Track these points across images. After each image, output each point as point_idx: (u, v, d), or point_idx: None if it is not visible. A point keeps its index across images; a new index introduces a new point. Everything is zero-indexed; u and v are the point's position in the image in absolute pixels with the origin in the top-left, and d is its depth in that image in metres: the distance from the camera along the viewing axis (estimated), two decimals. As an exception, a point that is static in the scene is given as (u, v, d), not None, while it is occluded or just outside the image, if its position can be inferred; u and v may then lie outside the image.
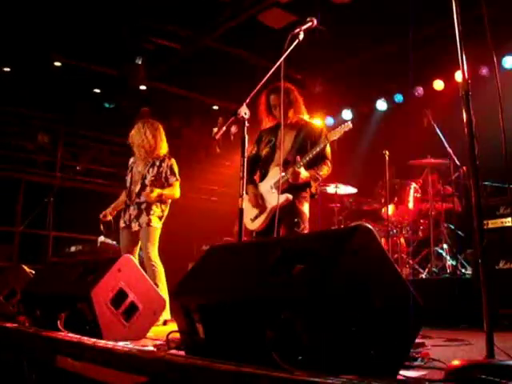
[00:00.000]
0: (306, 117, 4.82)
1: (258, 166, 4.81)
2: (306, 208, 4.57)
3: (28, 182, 10.14)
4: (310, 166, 4.49)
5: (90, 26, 8.10)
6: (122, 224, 5.58)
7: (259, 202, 4.61)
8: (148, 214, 5.40)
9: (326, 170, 4.60)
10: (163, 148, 5.67)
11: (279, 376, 1.74)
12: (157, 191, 5.39)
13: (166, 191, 5.46)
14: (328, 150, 4.62)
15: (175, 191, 5.52)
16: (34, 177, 10.31)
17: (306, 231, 4.47)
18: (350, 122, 4.50)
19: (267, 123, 4.87)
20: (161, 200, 5.48)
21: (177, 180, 5.55)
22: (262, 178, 4.72)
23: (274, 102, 4.69)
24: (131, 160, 5.83)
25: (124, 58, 8.93)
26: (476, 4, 2.51)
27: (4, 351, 3.59)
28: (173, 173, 5.55)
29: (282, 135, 4.43)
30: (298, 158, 4.40)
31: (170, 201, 5.62)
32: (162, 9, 7.81)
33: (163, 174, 5.53)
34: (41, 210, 8.43)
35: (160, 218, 5.49)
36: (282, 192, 4.36)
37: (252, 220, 4.65)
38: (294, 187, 4.49)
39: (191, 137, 11.44)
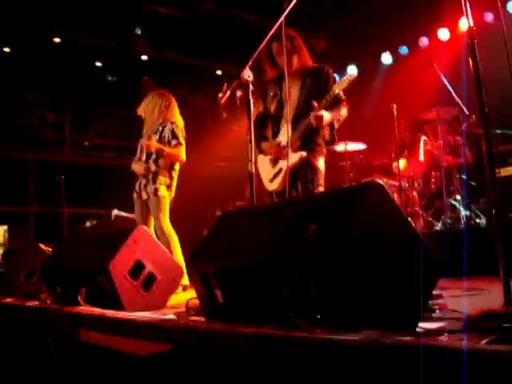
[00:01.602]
0: (311, 64, 4.62)
1: (269, 123, 4.66)
2: (321, 163, 4.45)
3: (38, 161, 10.19)
4: (327, 109, 4.34)
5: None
6: (134, 194, 5.61)
7: (281, 153, 4.44)
8: (154, 183, 5.41)
9: (345, 111, 4.46)
10: (174, 117, 5.66)
11: (299, 336, 1.76)
12: (157, 143, 5.41)
13: (168, 149, 5.43)
14: (341, 92, 4.43)
15: (179, 153, 5.48)
16: (44, 155, 10.34)
17: (321, 188, 4.39)
18: (354, 72, 4.35)
19: (270, 75, 4.69)
20: (171, 166, 5.50)
21: (179, 143, 5.49)
22: (274, 135, 4.59)
23: (276, 49, 4.46)
24: (144, 130, 5.83)
25: (123, 28, 8.85)
26: None
27: (28, 329, 3.65)
28: (175, 136, 5.51)
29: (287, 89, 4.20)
30: (315, 103, 4.23)
31: (177, 167, 5.59)
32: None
33: (166, 139, 5.51)
34: (53, 188, 8.47)
35: (168, 186, 5.47)
36: (296, 149, 4.31)
37: (270, 181, 4.56)
38: (308, 142, 4.39)
39: (197, 104, 11.38)
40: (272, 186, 4.54)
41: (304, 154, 4.32)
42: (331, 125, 4.43)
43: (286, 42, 4.08)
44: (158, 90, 6.02)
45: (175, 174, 5.57)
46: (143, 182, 5.50)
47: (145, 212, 5.51)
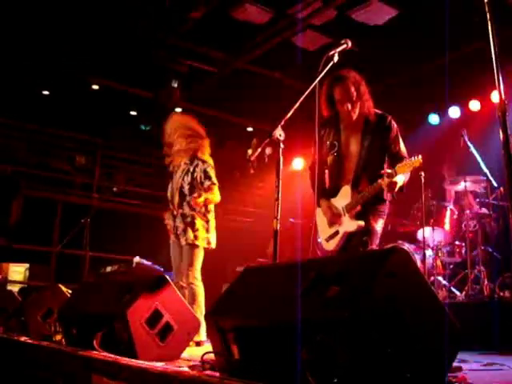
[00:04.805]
0: (373, 112, 4.30)
1: (324, 173, 4.40)
2: (379, 225, 4.25)
3: (65, 203, 10.32)
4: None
5: (127, 49, 8.27)
6: (172, 237, 5.41)
7: (336, 219, 4.25)
8: (194, 230, 5.23)
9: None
10: (205, 156, 5.50)
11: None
12: (204, 195, 5.20)
13: (209, 195, 5.25)
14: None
15: (214, 194, 5.30)
16: (72, 197, 10.49)
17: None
18: (420, 157, 3.97)
19: (325, 113, 4.34)
20: (205, 208, 5.33)
21: (213, 184, 5.30)
22: (334, 192, 4.34)
23: (339, 96, 4.13)
24: (171, 167, 5.64)
25: (160, 80, 9.07)
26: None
27: (40, 370, 3.63)
28: (207, 176, 5.32)
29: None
30: (387, 171, 3.97)
31: (212, 208, 5.42)
32: (197, 32, 7.92)
33: (198, 180, 5.33)
34: (78, 231, 8.55)
35: (207, 230, 5.32)
36: (356, 215, 4.16)
37: (327, 240, 4.36)
38: (370, 209, 4.19)
39: (225, 158, 11.51)
40: (329, 246, 4.36)
41: (362, 223, 4.13)
42: (401, 188, 4.16)
43: (351, 89, 4.09)
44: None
45: (211, 216, 5.39)
46: (181, 225, 5.28)
47: (181, 255, 5.35)
